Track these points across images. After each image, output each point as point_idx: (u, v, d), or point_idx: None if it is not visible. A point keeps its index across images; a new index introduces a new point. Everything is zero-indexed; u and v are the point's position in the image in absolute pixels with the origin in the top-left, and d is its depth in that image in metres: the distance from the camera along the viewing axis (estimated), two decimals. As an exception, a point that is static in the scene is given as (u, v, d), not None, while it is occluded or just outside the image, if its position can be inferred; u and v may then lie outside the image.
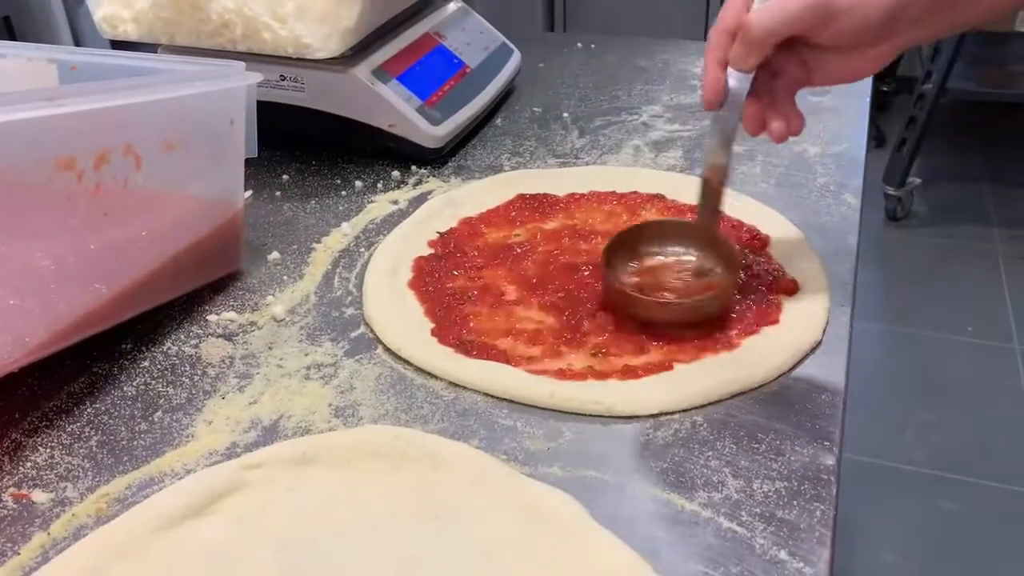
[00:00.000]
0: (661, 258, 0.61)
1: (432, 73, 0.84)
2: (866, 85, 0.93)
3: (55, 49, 0.68)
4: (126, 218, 0.53)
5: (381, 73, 0.79)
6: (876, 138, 2.74)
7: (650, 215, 0.69)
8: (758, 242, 0.64)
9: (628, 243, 0.60)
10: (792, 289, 0.58)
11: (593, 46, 1.09)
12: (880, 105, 3.02)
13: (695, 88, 0.95)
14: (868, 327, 2.06)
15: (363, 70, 0.78)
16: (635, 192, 0.72)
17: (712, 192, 0.58)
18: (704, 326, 0.55)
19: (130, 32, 0.78)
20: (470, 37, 0.92)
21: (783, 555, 0.41)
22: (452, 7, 0.93)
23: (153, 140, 0.53)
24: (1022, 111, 2.89)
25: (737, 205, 0.69)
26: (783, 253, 0.62)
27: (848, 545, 1.51)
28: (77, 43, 3.06)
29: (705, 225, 0.59)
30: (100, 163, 0.50)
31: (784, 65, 0.55)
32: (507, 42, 0.96)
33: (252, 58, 0.77)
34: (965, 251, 2.38)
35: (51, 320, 0.50)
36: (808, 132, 0.82)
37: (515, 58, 0.95)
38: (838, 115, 0.87)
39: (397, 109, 0.78)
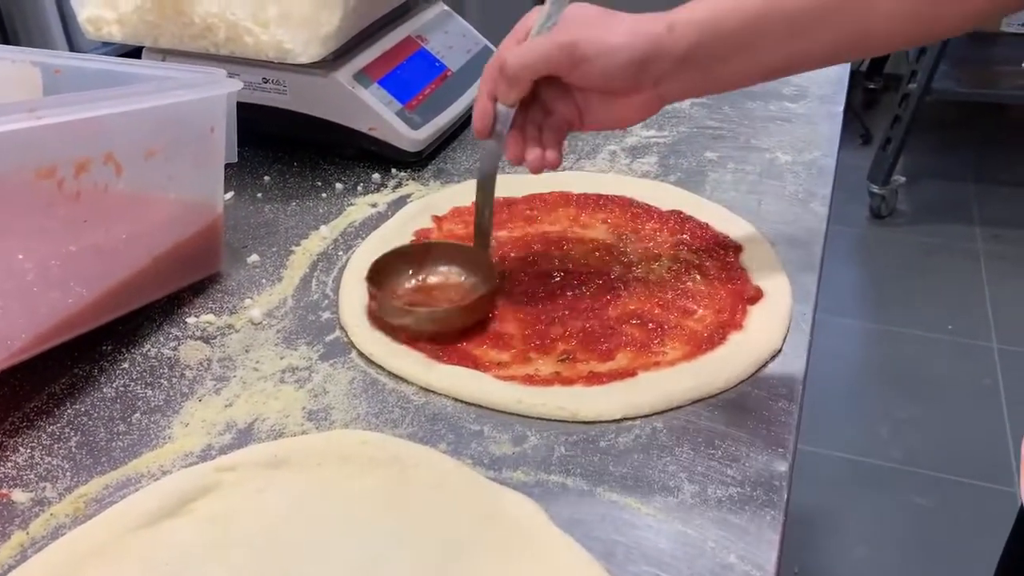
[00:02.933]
0: (442, 278, 0.64)
1: (413, 76, 0.85)
2: (840, 93, 0.95)
3: (39, 52, 0.69)
4: (107, 223, 0.55)
5: (362, 77, 0.80)
6: (863, 136, 2.76)
7: (619, 220, 0.71)
8: (728, 250, 0.65)
9: (415, 258, 0.64)
10: (756, 297, 0.60)
11: (575, 48, 1.10)
12: (867, 102, 3.04)
13: (673, 93, 0.96)
14: (849, 323, 2.09)
15: (344, 74, 0.79)
16: (600, 195, 0.73)
17: (482, 215, 0.62)
18: (464, 332, 0.58)
19: (114, 34, 0.79)
20: (452, 40, 0.93)
21: (732, 559, 0.43)
22: (435, 10, 0.94)
23: (134, 148, 0.54)
24: (1006, 111, 2.92)
25: (708, 212, 0.70)
26: (750, 261, 0.64)
27: (823, 540, 1.53)
28: (68, 37, 3.06)
29: (479, 248, 0.63)
30: (80, 171, 0.51)
31: (556, 104, 0.59)
32: (489, 45, 0.97)
33: (235, 61, 0.78)
34: (948, 249, 2.41)
35: (33, 323, 0.51)
36: (780, 139, 0.85)
37: (497, 61, 0.96)
38: (810, 122, 0.88)
39: (377, 113, 0.79)
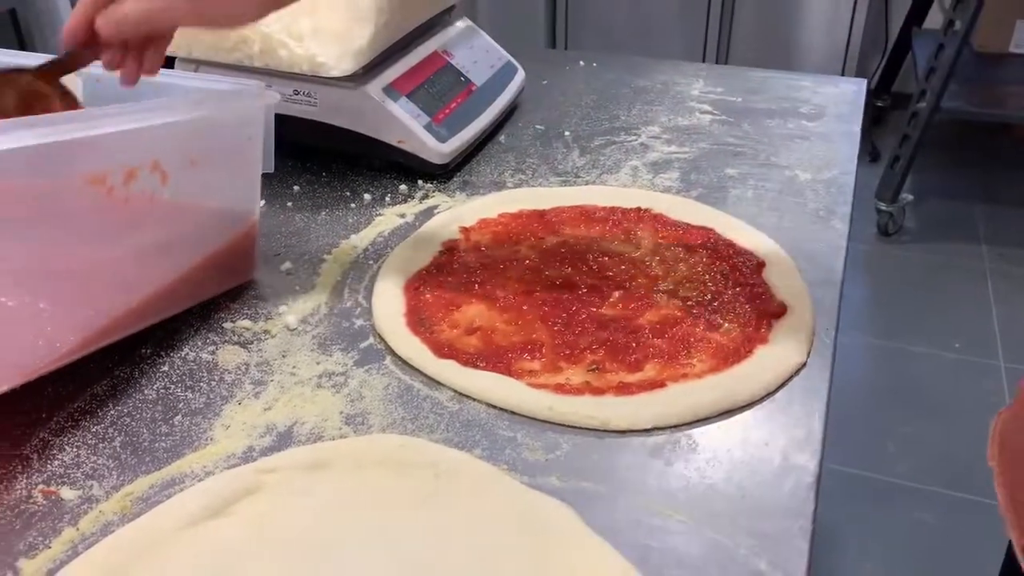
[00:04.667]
0: None
1: (440, 91, 0.87)
2: (856, 113, 0.97)
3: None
4: (151, 229, 0.56)
5: (391, 91, 0.82)
6: (871, 153, 2.78)
7: (643, 233, 0.72)
8: (753, 266, 0.67)
9: None
10: (781, 312, 0.62)
11: (595, 65, 1.12)
12: (875, 120, 3.06)
13: (692, 110, 0.98)
14: (856, 340, 2.10)
15: (374, 88, 0.81)
16: (623, 207, 0.75)
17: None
18: None
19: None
20: (477, 55, 0.95)
21: (763, 565, 0.44)
22: (460, 26, 0.96)
23: (179, 157, 0.56)
24: (1014, 131, 2.93)
25: (731, 228, 0.72)
26: (774, 277, 0.66)
27: (829, 555, 1.54)
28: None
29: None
30: (129, 179, 0.52)
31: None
32: (512, 60, 0.99)
33: (266, 73, 0.80)
34: (954, 268, 2.42)
35: (80, 326, 0.52)
36: (799, 157, 0.86)
37: (519, 76, 0.98)
38: (828, 141, 0.90)
39: (406, 126, 0.81)
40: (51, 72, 0.58)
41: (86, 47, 0.56)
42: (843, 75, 2.75)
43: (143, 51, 0.57)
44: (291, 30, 0.76)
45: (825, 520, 1.75)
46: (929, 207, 2.68)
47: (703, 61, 2.64)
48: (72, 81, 0.70)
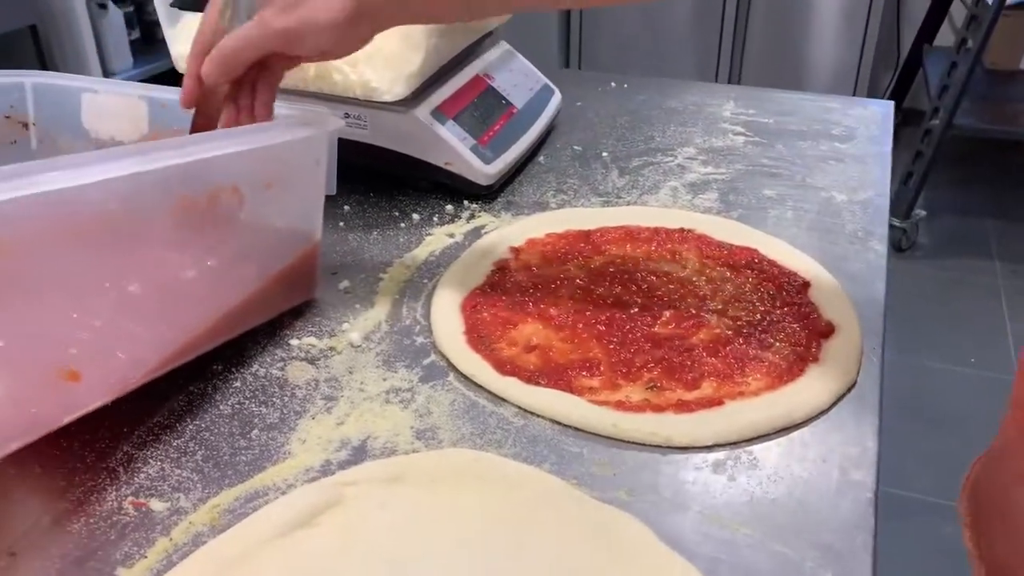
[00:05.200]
0: None
1: (483, 114, 0.89)
2: (886, 134, 0.99)
3: (145, 87, 0.73)
4: (227, 251, 0.59)
5: (439, 114, 0.84)
6: (882, 170, 2.80)
7: (689, 253, 0.75)
8: (799, 286, 0.69)
9: None
10: (829, 332, 0.64)
11: (625, 86, 1.15)
12: (886, 137, 3.09)
13: (726, 132, 1.00)
14: (873, 356, 2.11)
15: (423, 111, 0.83)
16: (667, 228, 0.78)
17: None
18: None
19: (206, 69, 0.84)
20: (516, 79, 0.97)
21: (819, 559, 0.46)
22: (499, 50, 0.99)
23: (255, 181, 0.58)
24: (1025, 148, 2.96)
25: (775, 248, 0.74)
26: (819, 297, 0.68)
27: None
28: (100, 50, 3.13)
29: None
30: (212, 202, 0.55)
31: (272, 58, 0.62)
32: (549, 83, 1.02)
33: (318, 97, 0.83)
34: (968, 283, 2.44)
35: (162, 344, 0.55)
36: (835, 179, 0.88)
37: (556, 98, 1.01)
38: (861, 162, 0.92)
39: (454, 148, 0.83)
40: None
41: (201, 105, 0.62)
42: (855, 92, 2.78)
43: (253, 104, 0.62)
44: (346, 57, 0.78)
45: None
46: (942, 223, 2.71)
47: (716, 78, 2.67)
48: (137, 106, 0.73)
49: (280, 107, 0.66)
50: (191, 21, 0.84)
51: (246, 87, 0.63)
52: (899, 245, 2.54)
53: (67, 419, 0.48)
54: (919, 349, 2.14)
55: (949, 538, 1.63)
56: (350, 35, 0.60)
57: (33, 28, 2.94)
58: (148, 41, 3.44)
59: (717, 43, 2.65)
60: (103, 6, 3.15)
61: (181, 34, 0.84)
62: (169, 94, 0.72)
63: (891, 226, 2.56)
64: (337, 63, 0.79)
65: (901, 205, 2.50)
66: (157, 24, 3.38)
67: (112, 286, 0.50)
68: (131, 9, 3.33)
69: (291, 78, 0.81)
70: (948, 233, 2.68)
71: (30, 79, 0.75)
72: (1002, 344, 2.17)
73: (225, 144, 0.55)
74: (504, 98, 0.93)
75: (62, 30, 3.14)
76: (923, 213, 2.57)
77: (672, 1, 2.58)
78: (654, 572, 0.46)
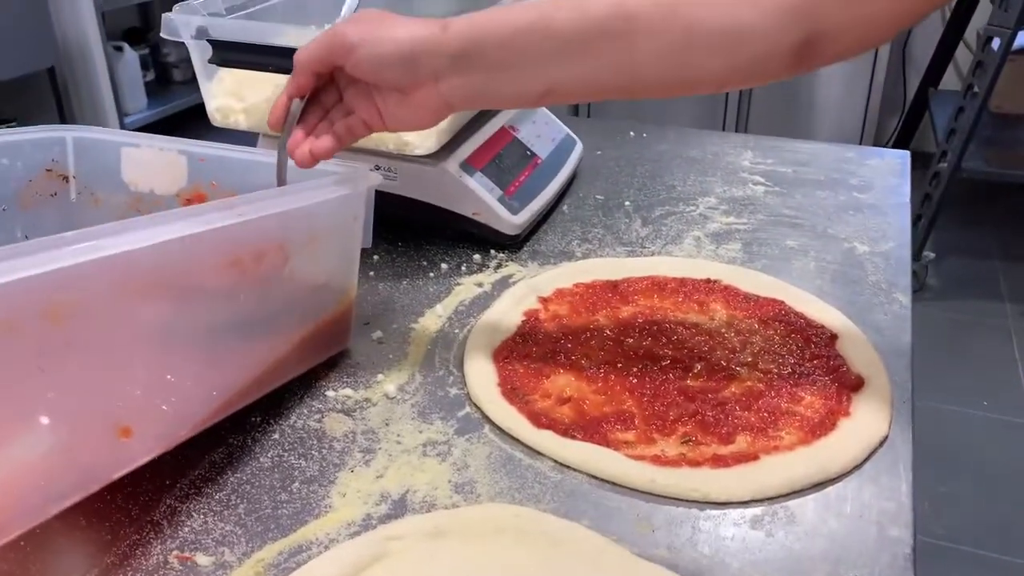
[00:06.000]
0: None
1: (509, 165, 0.91)
2: (904, 184, 1.00)
3: (184, 142, 0.75)
4: (269, 306, 0.60)
5: (467, 167, 0.86)
6: (891, 212, 2.82)
7: (716, 305, 0.76)
8: (827, 338, 0.70)
9: None
10: (859, 385, 0.65)
11: (644, 135, 1.17)
12: (893, 179, 3.12)
13: (746, 181, 1.02)
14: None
15: (452, 164, 0.85)
16: (693, 279, 0.79)
17: None
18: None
19: (240, 122, 0.86)
20: (539, 130, 0.99)
21: (873, 635, 0.46)
22: (523, 100, 1.01)
23: (300, 238, 0.60)
24: (1033, 191, 2.98)
25: (800, 300, 0.75)
26: (848, 350, 0.68)
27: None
28: (115, 91, 3.18)
29: None
30: (258, 261, 0.56)
31: (357, 104, 0.64)
32: (570, 133, 1.04)
33: (351, 149, 0.84)
34: (979, 325, 2.45)
35: (208, 399, 0.56)
36: (856, 229, 0.90)
37: (578, 148, 1.03)
38: (881, 213, 0.94)
39: (482, 199, 0.85)
40: None
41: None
42: (863, 136, 2.81)
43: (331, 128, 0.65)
44: (378, 110, 0.80)
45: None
46: (951, 265, 2.72)
47: (723, 125, 2.69)
48: (176, 161, 0.75)
49: (314, 172, 0.68)
50: (226, 76, 0.86)
51: (329, 122, 0.65)
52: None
53: (118, 474, 0.49)
54: (931, 392, 2.13)
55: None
56: (408, 66, 0.59)
57: (51, 70, 3.00)
58: (162, 82, 3.50)
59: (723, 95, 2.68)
60: (119, 48, 3.21)
61: (217, 88, 0.86)
62: (207, 149, 0.74)
63: (900, 268, 2.59)
64: (369, 117, 0.81)
65: (911, 247, 2.52)
66: (172, 65, 3.42)
67: (161, 343, 0.51)
68: (146, 51, 3.39)
69: (324, 131, 0.83)
70: (957, 275, 2.68)
71: (71, 133, 0.77)
72: (1015, 386, 2.17)
73: (273, 205, 0.56)
74: (529, 149, 0.95)
75: (79, 72, 3.20)
76: (932, 255, 2.58)
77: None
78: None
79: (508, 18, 0.58)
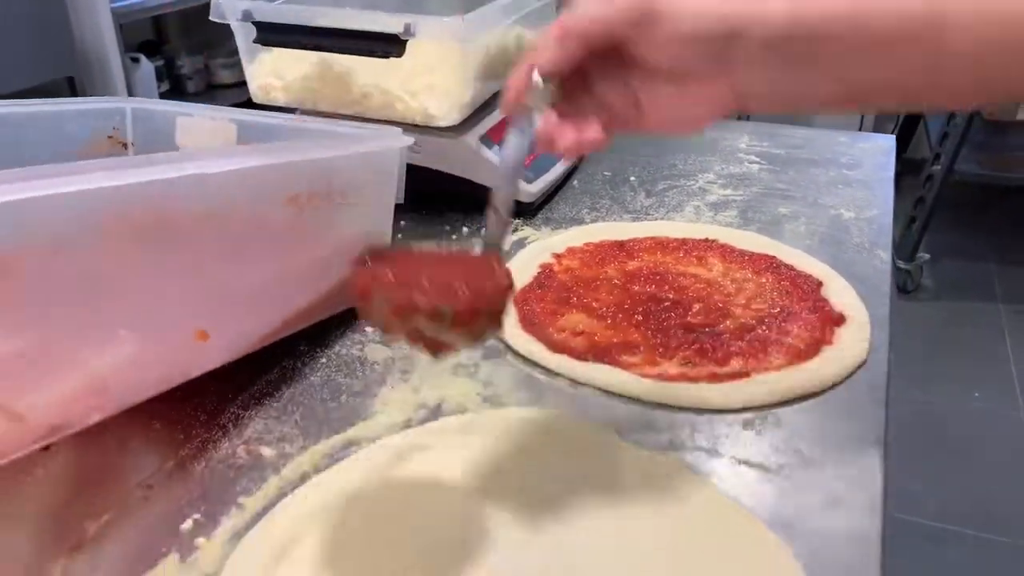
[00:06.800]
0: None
1: (524, 140, 0.99)
2: (890, 162, 1.09)
3: (233, 111, 0.83)
4: (318, 246, 0.68)
5: (486, 140, 0.94)
6: (886, 215, 2.91)
7: (714, 259, 0.84)
8: (813, 285, 0.77)
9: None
10: (841, 321, 0.72)
11: (648, 122, 1.25)
12: (890, 185, 3.21)
13: (742, 160, 1.10)
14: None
15: (471, 138, 0.93)
16: (693, 239, 0.87)
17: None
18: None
19: (279, 99, 0.94)
20: (551, 111, 1.08)
21: (841, 489, 0.54)
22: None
23: (345, 185, 0.68)
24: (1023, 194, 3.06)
25: (791, 255, 0.83)
26: (832, 293, 0.76)
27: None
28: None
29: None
30: (311, 201, 0.64)
31: (612, 97, 0.51)
32: (580, 116, 1.12)
33: (376, 123, 0.92)
34: (972, 324, 2.52)
35: (271, 319, 0.64)
36: (843, 199, 0.98)
37: (587, 130, 1.11)
38: (866, 187, 1.02)
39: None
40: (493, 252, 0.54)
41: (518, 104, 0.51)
42: (859, 141, 2.89)
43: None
44: (407, 87, 0.89)
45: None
46: (945, 267, 2.79)
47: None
48: (227, 128, 0.83)
49: (354, 126, 0.76)
50: (266, 58, 0.94)
51: (577, 116, 0.50)
52: (904, 287, 2.62)
53: (196, 372, 0.57)
54: (925, 384, 2.21)
55: (953, 564, 1.68)
56: (721, 50, 0.46)
57: (71, 79, 3.10)
58: (176, 93, 3.60)
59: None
60: (136, 60, 3.32)
61: (259, 68, 0.94)
62: (252, 117, 0.82)
63: (896, 268, 2.67)
64: (400, 93, 0.89)
65: (905, 248, 2.60)
66: (187, 77, 3.49)
67: (236, 262, 0.59)
68: (161, 63, 3.50)
69: (357, 106, 0.92)
70: (952, 276, 2.76)
71: (130, 105, 0.86)
72: (1007, 381, 2.24)
73: (323, 151, 0.64)
74: (541, 128, 1.03)
75: (97, 81, 3.30)
76: (927, 256, 2.66)
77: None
78: (693, 495, 0.54)
79: (822, 3, 0.46)
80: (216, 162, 0.52)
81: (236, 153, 0.56)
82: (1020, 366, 2.28)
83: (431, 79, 0.89)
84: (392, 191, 0.75)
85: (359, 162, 0.70)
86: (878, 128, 2.98)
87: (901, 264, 2.59)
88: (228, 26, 0.91)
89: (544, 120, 0.50)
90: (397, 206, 0.77)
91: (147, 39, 3.59)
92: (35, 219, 0.44)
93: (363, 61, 0.88)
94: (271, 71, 0.94)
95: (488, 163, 0.93)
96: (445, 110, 0.89)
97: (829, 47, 0.46)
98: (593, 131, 0.49)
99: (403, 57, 0.85)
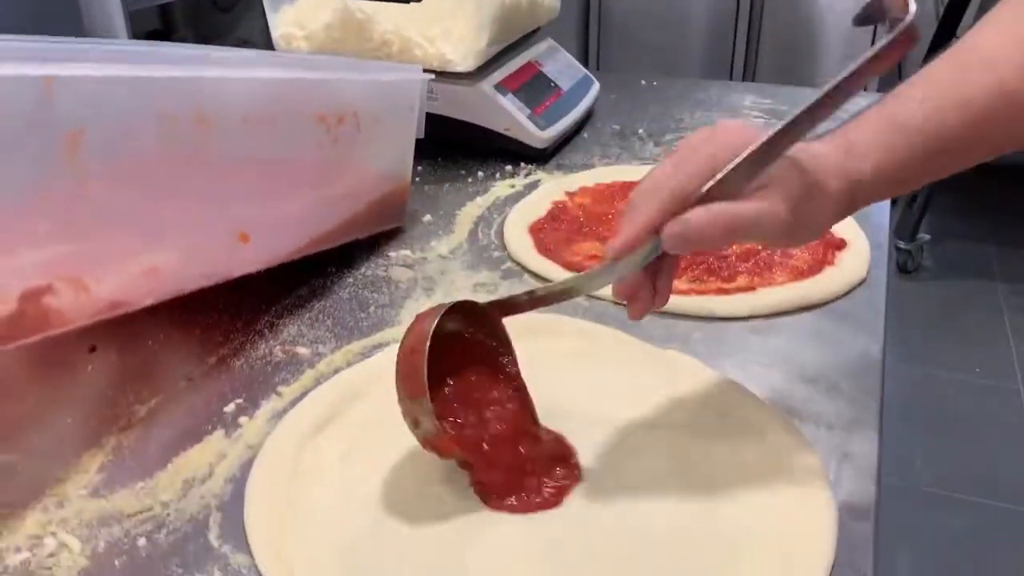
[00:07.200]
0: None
1: (536, 92, 1.03)
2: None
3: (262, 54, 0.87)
4: (346, 170, 0.71)
5: (500, 88, 0.98)
6: (887, 197, 2.94)
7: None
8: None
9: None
10: (842, 245, 0.76)
11: (655, 83, 1.29)
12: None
13: (747, 116, 1.14)
14: (882, 364, 2.22)
15: (487, 85, 0.97)
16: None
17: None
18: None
19: (302, 47, 0.98)
20: (561, 68, 1.11)
21: (843, 384, 0.57)
22: (546, 44, 1.13)
23: (370, 111, 0.71)
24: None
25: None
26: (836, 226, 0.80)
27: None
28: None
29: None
30: (340, 122, 0.68)
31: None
32: (589, 74, 1.16)
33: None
34: (972, 303, 2.56)
35: (303, 232, 0.67)
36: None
37: (595, 87, 1.15)
38: (867, 138, 1.05)
39: (513, 116, 0.97)
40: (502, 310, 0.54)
41: None
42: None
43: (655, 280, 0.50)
44: (426, 34, 0.93)
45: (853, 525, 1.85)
46: (945, 248, 2.83)
47: (730, 77, 2.75)
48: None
49: (377, 63, 0.80)
50: (289, 8, 0.98)
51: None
52: (905, 267, 2.66)
53: (238, 272, 0.61)
54: (926, 361, 2.24)
55: (954, 529, 1.71)
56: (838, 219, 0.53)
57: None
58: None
59: (732, 42, 2.74)
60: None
61: (281, 18, 0.98)
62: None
63: (897, 248, 2.70)
64: (418, 40, 0.93)
65: (905, 228, 2.63)
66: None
67: (273, 171, 0.63)
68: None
69: (377, 53, 0.95)
70: (952, 257, 2.79)
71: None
72: (1006, 358, 2.27)
73: (348, 72, 0.68)
74: (553, 81, 1.07)
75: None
76: (927, 237, 2.69)
77: (688, 8, 2.70)
78: (706, 386, 0.57)
79: (908, 141, 0.50)
80: (253, 70, 0.56)
81: (271, 63, 0.59)
82: (1019, 345, 2.31)
83: (448, 24, 0.93)
84: (412, 125, 0.79)
85: (382, 91, 0.73)
86: (882, 88, 2.99)
87: (902, 244, 2.62)
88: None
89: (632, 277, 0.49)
90: (417, 150, 0.81)
91: (155, 28, 3.62)
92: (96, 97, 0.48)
93: (383, 7, 0.92)
94: (293, 20, 0.98)
95: (503, 109, 0.97)
96: (462, 55, 0.93)
97: (923, 162, 0.51)
98: (661, 301, 0.51)
99: (422, 1, 0.88)
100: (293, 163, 0.65)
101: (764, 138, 0.46)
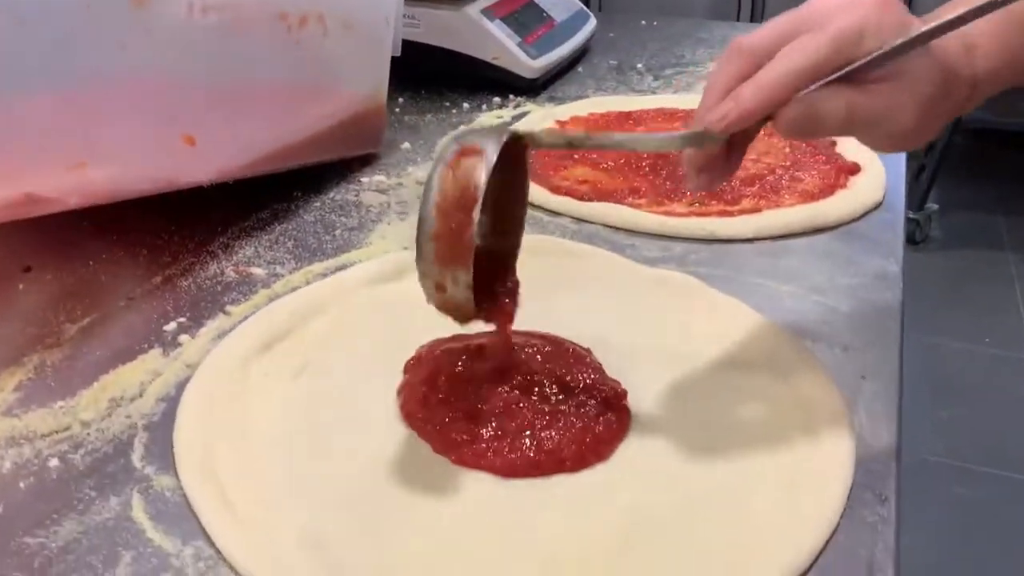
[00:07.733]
0: None
1: (527, 20, 0.96)
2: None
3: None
4: (307, 76, 0.65)
5: (488, 12, 0.91)
6: (895, 166, 2.87)
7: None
8: (828, 143, 0.74)
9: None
10: (856, 169, 0.69)
11: (655, 23, 1.22)
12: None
13: (752, 52, 1.07)
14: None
15: (474, 9, 0.90)
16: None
17: None
18: None
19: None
20: (554, 0, 1.04)
21: (853, 306, 0.51)
22: (540, -26, 1.06)
23: (338, 16, 0.65)
24: (1035, 145, 3.02)
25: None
26: (846, 150, 0.73)
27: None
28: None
29: None
30: (302, 24, 0.61)
31: None
32: (585, 8, 1.09)
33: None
34: (981, 273, 2.49)
35: (254, 145, 0.61)
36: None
37: (592, 21, 1.08)
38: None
39: (501, 43, 0.90)
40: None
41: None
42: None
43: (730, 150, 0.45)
44: (405, -48, 0.86)
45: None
46: (954, 218, 2.76)
47: (737, 19, 2.67)
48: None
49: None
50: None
51: None
52: (913, 237, 2.59)
53: (184, 180, 0.54)
54: (935, 331, 2.18)
55: (962, 497, 1.66)
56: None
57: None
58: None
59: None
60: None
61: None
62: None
63: (906, 218, 2.63)
64: (398, -42, 0.86)
65: (914, 197, 2.56)
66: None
67: (220, 71, 0.56)
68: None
69: (354, -26, 0.88)
70: (961, 227, 2.72)
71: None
72: (1015, 325, 2.21)
73: (316, -29, 0.61)
74: (545, 12, 1.00)
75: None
76: (936, 207, 2.63)
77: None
78: (707, 303, 0.51)
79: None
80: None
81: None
82: (1030, 315, 2.25)
83: (430, -55, 0.86)
84: (387, 40, 0.72)
85: (354, -3, 0.67)
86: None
87: (911, 214, 2.55)
88: None
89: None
90: (396, 79, 0.74)
91: None
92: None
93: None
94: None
95: (491, 35, 0.90)
96: (446, -25, 0.86)
97: None
98: (739, 159, 0.45)
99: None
100: (248, 62, 0.58)
101: (926, 28, 0.39)
